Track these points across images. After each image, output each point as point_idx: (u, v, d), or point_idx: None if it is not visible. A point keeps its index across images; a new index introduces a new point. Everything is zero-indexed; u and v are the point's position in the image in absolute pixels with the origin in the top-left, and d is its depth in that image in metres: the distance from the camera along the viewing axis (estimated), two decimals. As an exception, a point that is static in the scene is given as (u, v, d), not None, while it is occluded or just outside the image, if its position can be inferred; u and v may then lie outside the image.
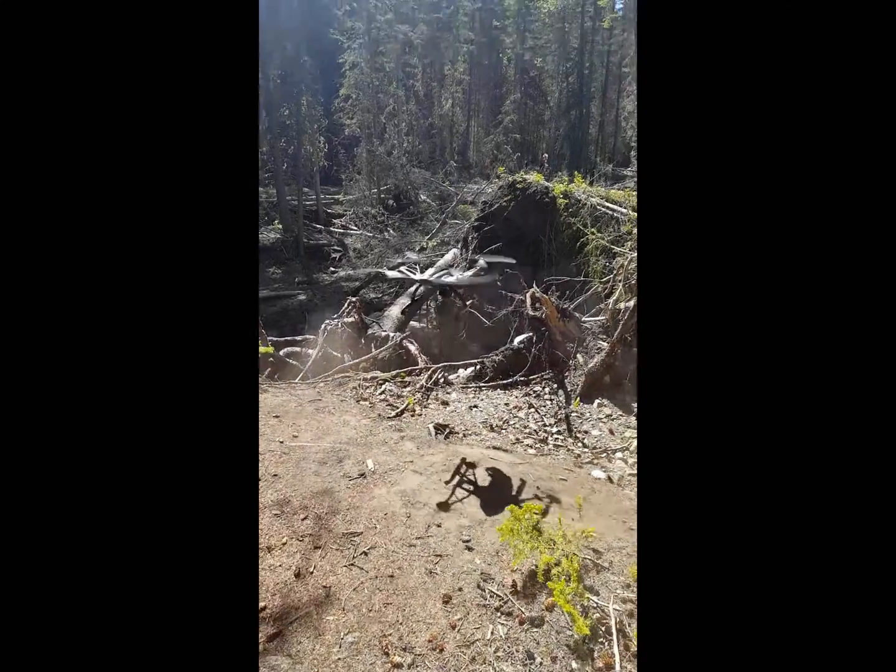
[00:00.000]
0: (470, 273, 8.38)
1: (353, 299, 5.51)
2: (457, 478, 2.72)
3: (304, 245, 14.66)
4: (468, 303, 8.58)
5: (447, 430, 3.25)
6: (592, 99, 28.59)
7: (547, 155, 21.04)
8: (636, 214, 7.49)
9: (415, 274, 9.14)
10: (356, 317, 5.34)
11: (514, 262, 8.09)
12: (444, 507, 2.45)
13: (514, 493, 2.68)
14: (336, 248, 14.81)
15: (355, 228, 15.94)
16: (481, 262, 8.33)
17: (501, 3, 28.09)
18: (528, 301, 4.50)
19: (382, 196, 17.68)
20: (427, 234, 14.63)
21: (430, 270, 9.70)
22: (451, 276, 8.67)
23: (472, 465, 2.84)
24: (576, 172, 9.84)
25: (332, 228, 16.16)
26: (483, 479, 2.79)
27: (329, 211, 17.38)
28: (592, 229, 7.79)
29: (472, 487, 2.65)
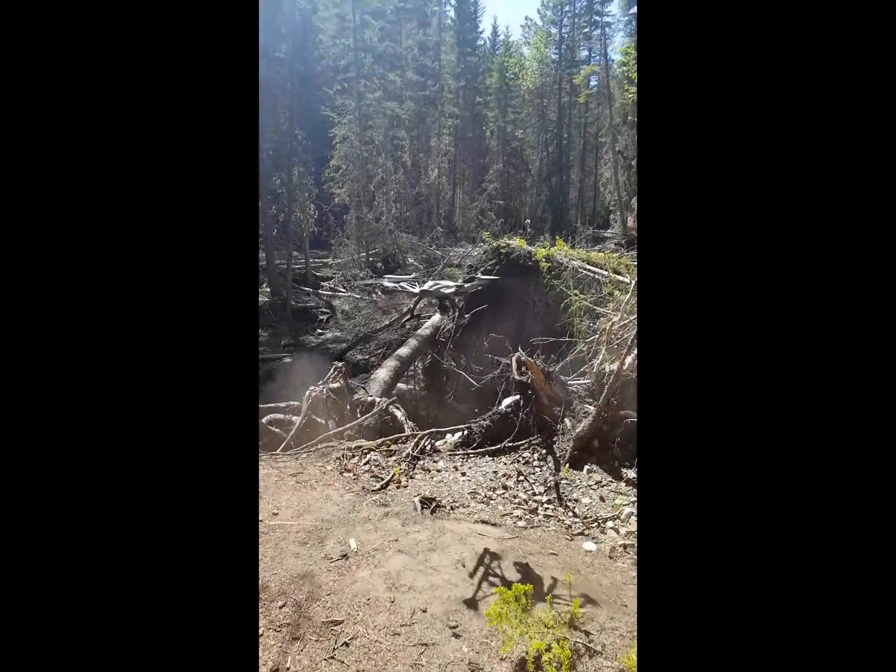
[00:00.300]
0: (468, 285, 9.01)
1: (339, 364, 5.49)
2: (481, 570, 2.55)
3: (292, 307, 14.77)
4: (466, 316, 9.00)
5: (433, 504, 3.15)
6: (571, 167, 30.22)
7: (529, 220, 21.89)
8: (618, 275, 7.75)
9: (414, 287, 9.86)
10: (341, 382, 5.30)
11: (498, 278, 8.67)
12: (471, 604, 2.27)
13: (544, 589, 2.45)
14: (324, 309, 14.94)
15: (343, 290, 16.16)
16: (479, 275, 9.16)
17: (483, 82, 30.18)
18: (514, 365, 4.52)
19: (371, 259, 18.08)
20: (415, 296, 14.85)
21: (429, 283, 10.27)
22: (450, 287, 9.30)
23: (495, 557, 2.68)
24: (557, 237, 10.24)
25: (320, 291, 16.37)
26: (509, 571, 2.58)
27: (318, 274, 17.67)
28: (575, 291, 7.99)
29: (498, 581, 2.44)
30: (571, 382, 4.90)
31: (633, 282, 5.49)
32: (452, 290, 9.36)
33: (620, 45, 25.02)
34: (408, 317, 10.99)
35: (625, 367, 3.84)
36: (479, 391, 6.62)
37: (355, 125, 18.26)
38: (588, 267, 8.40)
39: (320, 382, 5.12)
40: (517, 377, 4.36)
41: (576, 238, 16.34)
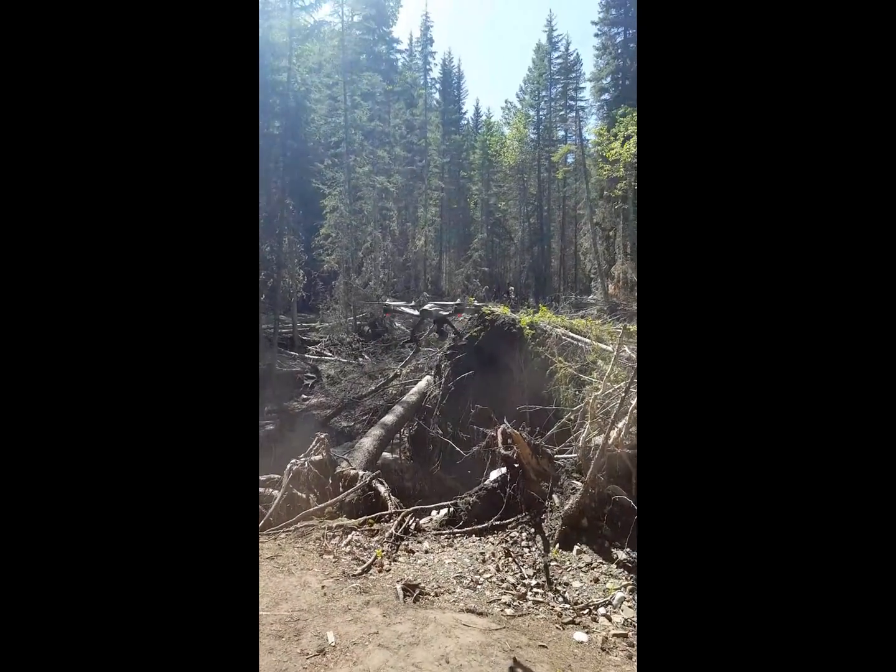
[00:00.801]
0: (467, 305, 10.19)
1: (322, 435, 5.37)
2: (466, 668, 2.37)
3: (277, 372, 14.62)
4: (461, 332, 9.83)
5: (417, 591, 3.00)
6: (552, 236, 31.54)
7: (513, 287, 22.55)
8: (601, 344, 7.88)
9: (415, 311, 11.32)
10: (324, 454, 5.17)
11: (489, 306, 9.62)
12: None
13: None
14: (309, 374, 14.80)
15: (330, 354, 16.12)
16: (474, 303, 10.40)
17: (467, 158, 31.99)
18: (500, 438, 4.47)
19: (358, 323, 18.22)
20: (401, 361, 14.87)
21: (429, 305, 11.78)
22: (446, 310, 10.74)
23: (481, 653, 2.50)
24: (541, 305, 10.52)
25: (306, 355, 16.30)
26: (496, 668, 2.39)
27: (304, 338, 17.68)
28: (560, 358, 8.07)
29: None
30: (558, 456, 4.84)
31: (616, 350, 5.58)
32: (451, 310, 10.66)
33: (594, 126, 26.93)
34: (408, 339, 12.18)
35: (610, 442, 3.82)
36: (467, 460, 6.49)
37: (345, 196, 19.00)
38: (571, 334, 8.54)
39: (302, 455, 4.99)
40: (503, 451, 4.30)
41: (559, 304, 16.77)
